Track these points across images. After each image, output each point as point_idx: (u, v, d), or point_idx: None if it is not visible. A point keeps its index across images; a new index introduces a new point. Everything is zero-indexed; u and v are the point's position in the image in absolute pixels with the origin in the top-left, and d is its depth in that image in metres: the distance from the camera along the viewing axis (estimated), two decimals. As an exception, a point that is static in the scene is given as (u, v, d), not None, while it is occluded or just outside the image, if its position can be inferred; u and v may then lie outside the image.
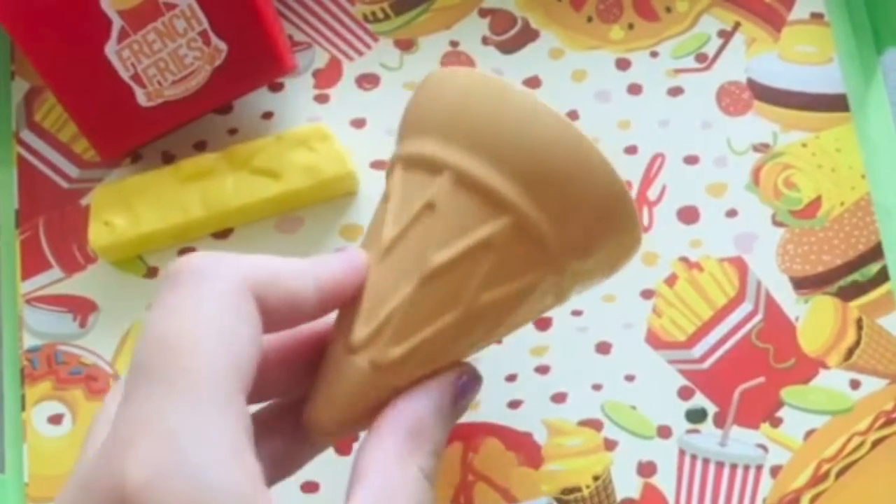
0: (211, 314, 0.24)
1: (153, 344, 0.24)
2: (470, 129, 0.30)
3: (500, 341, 0.43)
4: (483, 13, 0.47)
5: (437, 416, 0.29)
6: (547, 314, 0.43)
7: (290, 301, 0.27)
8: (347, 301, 0.30)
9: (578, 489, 0.41)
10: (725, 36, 0.46)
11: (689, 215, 0.44)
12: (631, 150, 0.45)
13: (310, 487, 0.42)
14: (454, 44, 0.47)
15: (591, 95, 0.46)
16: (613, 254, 0.32)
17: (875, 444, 0.41)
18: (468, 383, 0.30)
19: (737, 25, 0.46)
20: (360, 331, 0.30)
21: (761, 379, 0.42)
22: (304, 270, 0.28)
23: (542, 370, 0.42)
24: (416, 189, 0.31)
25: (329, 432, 0.30)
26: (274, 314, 0.26)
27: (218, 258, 0.25)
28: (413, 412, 0.28)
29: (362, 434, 0.30)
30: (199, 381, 0.23)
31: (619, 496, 0.41)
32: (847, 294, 0.43)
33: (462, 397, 0.30)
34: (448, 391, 0.29)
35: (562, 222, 0.30)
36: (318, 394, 0.30)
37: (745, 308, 0.43)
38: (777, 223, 0.44)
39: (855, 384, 0.42)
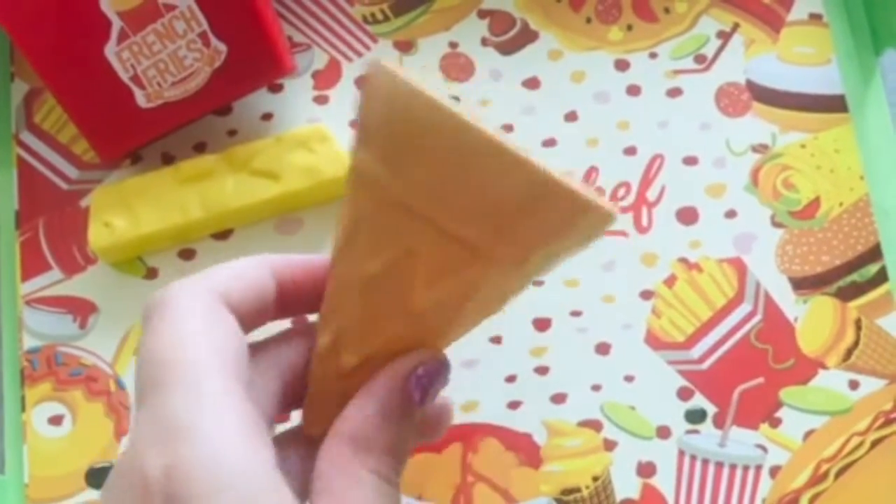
0: (189, 325, 0.26)
1: (147, 363, 0.26)
2: (410, 163, 0.28)
3: (497, 341, 0.43)
4: (482, 14, 0.47)
5: (382, 416, 0.28)
6: (546, 315, 0.43)
7: (252, 293, 0.29)
8: (308, 294, 0.30)
9: (578, 490, 0.41)
10: (724, 37, 0.46)
11: (688, 216, 0.44)
12: (630, 150, 0.45)
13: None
14: (453, 45, 0.47)
15: (590, 96, 0.46)
16: (571, 234, 0.29)
17: (874, 444, 0.42)
18: (427, 377, 0.29)
19: (735, 26, 0.46)
20: (322, 340, 0.30)
21: (760, 379, 0.42)
22: (260, 263, 0.30)
23: (542, 371, 0.43)
24: (347, 203, 0.30)
25: (313, 430, 0.31)
26: (242, 309, 0.28)
27: (180, 282, 0.28)
28: (354, 417, 0.28)
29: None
30: (195, 380, 0.25)
31: (619, 497, 0.41)
32: (846, 294, 0.43)
33: (421, 393, 0.29)
34: (395, 390, 0.29)
35: (474, 217, 0.28)
36: (306, 402, 0.31)
37: (745, 309, 0.43)
38: (776, 224, 0.44)
39: (854, 384, 0.42)
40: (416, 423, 0.29)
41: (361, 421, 0.28)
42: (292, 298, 0.30)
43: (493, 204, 0.27)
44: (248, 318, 0.29)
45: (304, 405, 0.31)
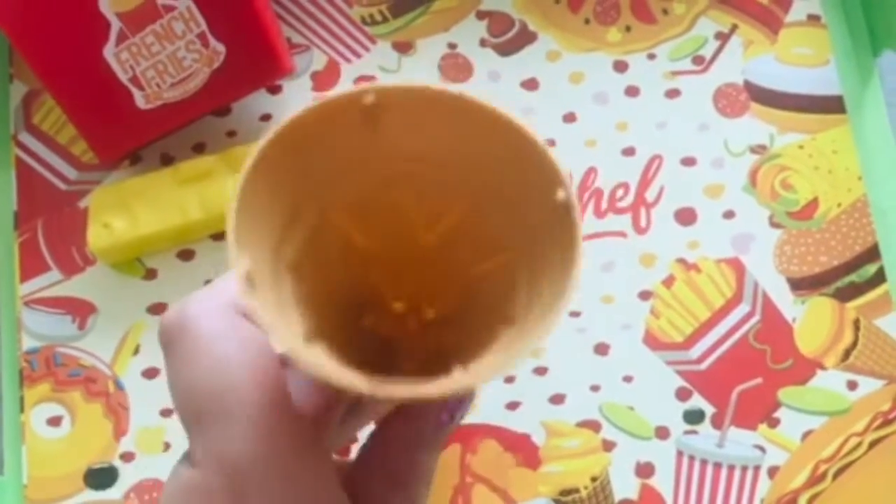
0: (220, 349, 0.25)
1: (188, 397, 0.25)
2: None
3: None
4: (481, 15, 0.47)
5: (418, 450, 0.28)
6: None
7: None
8: None
9: (576, 490, 0.41)
10: (722, 38, 0.46)
11: (686, 217, 0.44)
12: (629, 151, 0.45)
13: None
14: (452, 46, 0.47)
15: (588, 97, 0.46)
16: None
17: (872, 444, 0.42)
18: (453, 410, 0.29)
19: (734, 28, 0.46)
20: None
21: (759, 380, 0.42)
22: None
23: (541, 371, 0.43)
24: None
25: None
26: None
27: (195, 303, 0.26)
28: (392, 460, 0.28)
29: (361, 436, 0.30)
30: (242, 410, 0.24)
31: (618, 497, 0.41)
32: (844, 295, 0.43)
33: (450, 419, 0.29)
34: (430, 434, 0.29)
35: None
36: None
37: (743, 309, 0.43)
38: (774, 224, 0.44)
39: (852, 385, 0.42)
40: (442, 449, 0.30)
41: (398, 461, 0.28)
42: None
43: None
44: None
45: None
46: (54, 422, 0.43)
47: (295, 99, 0.46)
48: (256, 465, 0.24)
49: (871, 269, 0.43)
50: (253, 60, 0.42)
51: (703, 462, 0.42)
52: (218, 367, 0.25)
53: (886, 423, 0.42)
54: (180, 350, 0.26)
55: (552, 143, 0.45)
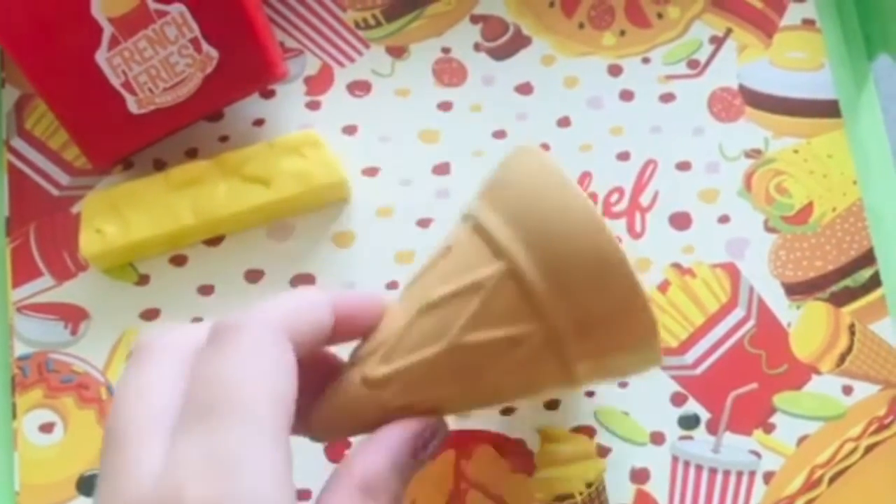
0: (256, 362, 0.27)
1: (205, 387, 0.27)
2: (516, 206, 0.31)
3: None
4: (475, 20, 0.47)
5: (392, 469, 0.30)
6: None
7: (314, 331, 0.30)
8: (363, 330, 0.33)
9: (571, 496, 0.41)
10: (717, 42, 0.46)
11: (681, 221, 0.44)
12: (623, 156, 0.45)
13: (304, 495, 0.41)
14: (446, 50, 0.47)
15: (583, 102, 0.46)
16: (623, 357, 0.32)
17: (868, 449, 0.41)
18: (430, 436, 0.32)
19: (728, 32, 0.46)
20: (362, 347, 0.33)
21: (754, 385, 0.42)
22: (323, 302, 0.31)
23: (535, 377, 0.42)
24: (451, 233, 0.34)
25: (319, 431, 0.33)
26: (302, 345, 0.30)
27: (255, 313, 0.29)
28: (367, 466, 0.30)
29: (354, 440, 0.30)
30: (255, 418, 0.26)
31: (613, 503, 0.41)
32: (839, 300, 0.43)
33: (423, 449, 0.31)
34: (407, 444, 0.31)
35: (558, 289, 0.30)
36: (321, 408, 0.33)
37: (738, 314, 0.43)
38: (769, 229, 0.44)
39: (847, 390, 0.42)
40: (415, 473, 0.31)
41: (374, 472, 0.29)
42: (342, 331, 0.32)
43: (588, 302, 0.30)
44: (304, 351, 0.30)
45: (318, 410, 0.33)
46: (47, 428, 0.43)
47: (288, 104, 0.46)
48: (240, 469, 0.25)
49: (866, 273, 0.43)
50: (246, 65, 0.42)
51: (699, 467, 0.42)
52: (247, 376, 0.27)
53: (882, 427, 0.42)
54: (223, 346, 0.28)
55: (546, 147, 0.45)
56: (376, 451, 0.30)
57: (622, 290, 0.30)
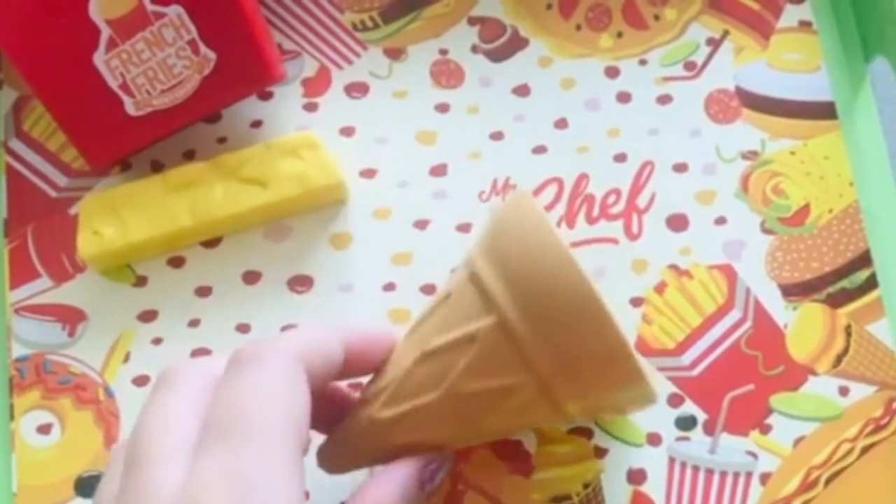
0: (274, 388, 0.29)
1: (225, 409, 0.29)
2: (507, 258, 0.33)
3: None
4: (472, 21, 0.47)
5: (403, 499, 0.33)
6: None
7: (327, 364, 0.32)
8: (373, 367, 0.35)
9: (569, 497, 0.41)
10: (714, 44, 0.46)
11: (678, 223, 0.44)
12: (620, 157, 0.45)
13: (299, 497, 0.41)
14: (443, 52, 0.47)
15: (580, 104, 0.46)
16: (615, 398, 0.35)
17: (864, 450, 0.41)
18: (436, 468, 0.35)
19: (725, 34, 0.46)
20: (368, 388, 0.36)
21: (751, 386, 0.42)
22: (335, 339, 0.33)
23: (532, 378, 0.42)
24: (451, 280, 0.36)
25: (331, 464, 0.37)
26: (316, 376, 0.32)
27: (273, 343, 0.30)
28: (379, 498, 0.33)
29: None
30: (271, 440, 0.28)
31: (610, 504, 0.41)
32: (836, 301, 0.43)
33: (430, 481, 0.34)
34: (415, 476, 0.34)
35: (544, 340, 0.33)
36: (332, 442, 0.37)
37: (735, 315, 0.43)
38: (766, 230, 0.44)
39: (844, 391, 0.42)
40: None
41: (385, 503, 0.32)
42: (352, 367, 0.34)
43: (576, 350, 0.33)
44: (316, 383, 0.32)
45: (330, 444, 0.37)
46: (44, 429, 0.43)
47: (285, 105, 0.46)
48: (260, 491, 0.27)
49: (862, 275, 0.43)
50: (244, 67, 0.42)
51: (695, 468, 0.42)
52: (269, 400, 0.29)
53: (878, 429, 0.42)
54: (245, 373, 0.29)
55: (543, 149, 0.45)
56: (387, 483, 0.33)
57: (607, 341, 0.32)
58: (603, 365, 0.33)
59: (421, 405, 0.34)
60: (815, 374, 0.42)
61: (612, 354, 0.33)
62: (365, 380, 0.37)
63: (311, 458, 0.41)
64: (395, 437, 0.35)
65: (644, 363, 0.39)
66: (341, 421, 0.36)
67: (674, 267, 0.44)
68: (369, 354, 0.35)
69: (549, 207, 0.44)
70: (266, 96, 0.46)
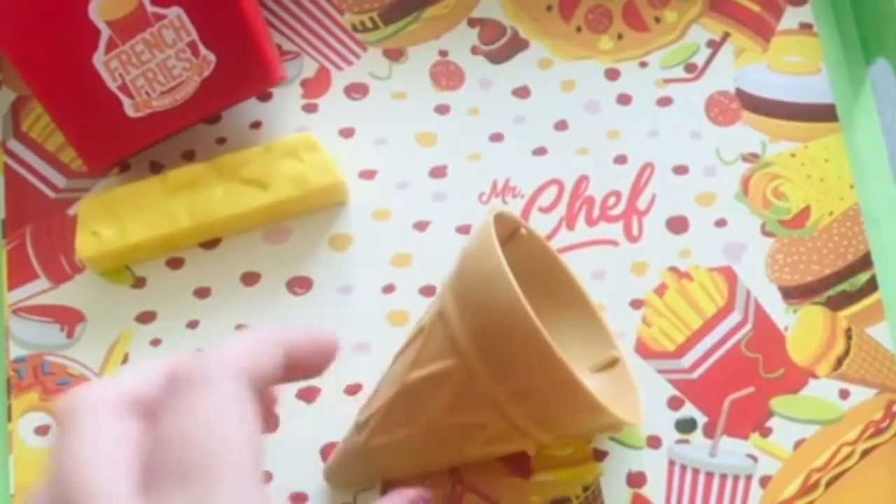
0: (229, 415, 0.26)
1: (179, 445, 0.25)
2: (473, 303, 0.35)
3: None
4: (472, 23, 0.47)
5: None
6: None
7: (267, 376, 0.30)
8: (314, 373, 0.32)
9: (568, 500, 0.41)
10: (714, 46, 0.46)
11: (678, 225, 0.44)
12: (620, 159, 0.45)
13: (299, 498, 0.41)
14: (443, 53, 0.47)
15: (580, 105, 0.46)
16: (583, 426, 0.37)
17: (864, 453, 0.41)
18: (424, 500, 0.35)
19: (726, 36, 0.46)
20: (360, 415, 0.39)
21: (751, 389, 0.42)
22: (276, 342, 0.30)
23: (532, 380, 0.42)
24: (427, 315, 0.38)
25: (332, 480, 0.41)
26: (259, 385, 0.29)
27: (215, 359, 0.27)
28: None
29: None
30: (239, 476, 0.25)
31: (609, 507, 0.41)
32: (836, 304, 0.43)
33: None
34: None
35: (504, 382, 0.34)
36: (335, 458, 0.40)
37: (735, 318, 0.43)
38: (766, 233, 0.44)
39: (844, 394, 0.42)
40: None
41: None
42: (293, 371, 0.31)
43: (533, 386, 0.34)
44: (257, 392, 0.29)
45: (332, 464, 0.40)
46: (42, 431, 0.42)
47: (285, 106, 0.46)
48: None
49: (863, 277, 0.43)
50: (244, 69, 0.42)
51: (695, 471, 0.41)
52: (224, 431, 0.26)
53: (878, 432, 0.42)
54: (193, 400, 0.26)
55: (543, 151, 0.45)
56: None
57: (561, 376, 0.34)
58: (561, 401, 0.34)
59: (403, 437, 0.37)
60: (815, 376, 0.42)
61: (567, 388, 0.34)
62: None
63: (318, 469, 0.41)
64: (385, 462, 0.39)
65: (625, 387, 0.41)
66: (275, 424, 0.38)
67: (674, 269, 0.44)
68: (311, 360, 0.32)
69: (549, 209, 0.44)
70: (265, 97, 0.46)
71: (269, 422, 0.37)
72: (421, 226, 0.44)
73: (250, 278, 0.44)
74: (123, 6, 0.41)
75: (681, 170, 0.45)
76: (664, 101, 0.46)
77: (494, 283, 0.34)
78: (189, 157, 0.45)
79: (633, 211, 0.44)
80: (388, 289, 0.44)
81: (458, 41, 0.47)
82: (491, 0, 0.47)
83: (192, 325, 0.43)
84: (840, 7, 0.47)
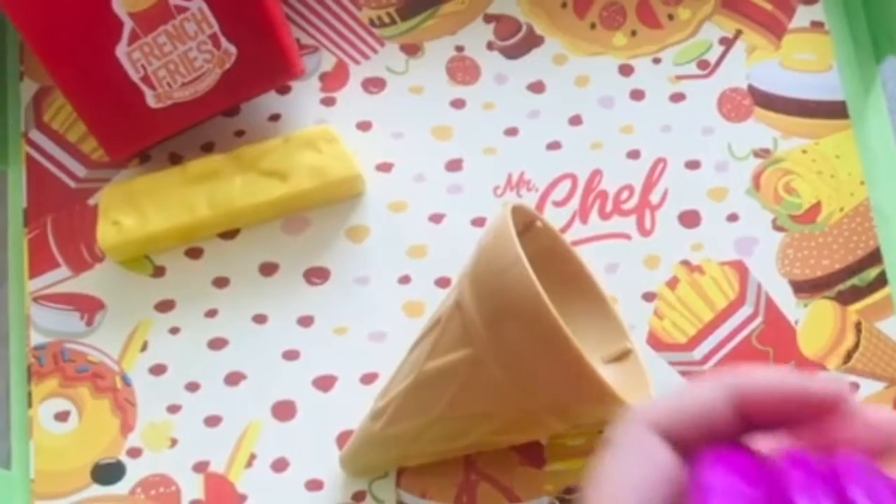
0: (623, 460, 0.28)
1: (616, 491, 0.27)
2: (493, 298, 0.35)
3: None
4: (488, 19, 0.47)
5: None
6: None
7: (698, 426, 0.28)
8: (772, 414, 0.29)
9: (580, 489, 0.42)
10: (727, 43, 0.47)
11: (690, 219, 0.45)
12: (633, 154, 0.45)
13: (314, 485, 0.42)
14: (459, 48, 0.47)
15: (594, 101, 0.46)
16: (595, 414, 0.37)
17: (873, 446, 0.42)
18: None
19: (738, 33, 0.47)
20: (376, 404, 0.40)
21: (761, 381, 0.43)
22: (716, 396, 0.28)
23: (545, 371, 0.43)
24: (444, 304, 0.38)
25: (347, 467, 0.41)
26: (685, 438, 0.28)
27: (630, 419, 0.28)
28: None
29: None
30: None
31: (621, 496, 0.42)
32: (846, 298, 0.44)
33: None
34: None
35: (517, 379, 0.35)
36: (351, 446, 0.41)
37: (746, 311, 0.43)
38: (777, 228, 0.45)
39: (854, 387, 0.42)
40: None
41: None
42: (757, 420, 0.28)
43: (546, 377, 0.35)
44: (692, 445, 0.28)
45: (347, 451, 0.41)
46: (62, 417, 0.43)
47: (303, 99, 0.47)
48: None
49: (872, 272, 0.44)
50: (264, 62, 0.43)
51: (706, 462, 0.42)
52: (633, 489, 0.27)
53: (887, 425, 0.42)
54: (613, 460, 0.27)
55: (558, 145, 0.46)
56: None
57: (574, 366, 0.34)
58: (576, 390, 0.35)
59: (419, 425, 0.38)
60: (825, 370, 0.43)
61: (582, 377, 0.34)
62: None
63: (334, 457, 0.42)
64: (401, 450, 0.39)
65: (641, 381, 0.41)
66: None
67: (686, 263, 0.44)
68: (774, 408, 0.28)
69: (563, 203, 0.45)
70: (284, 90, 0.47)
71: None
72: (436, 218, 0.45)
73: (268, 268, 0.44)
74: (146, -1, 0.41)
75: (693, 165, 0.45)
76: (677, 97, 0.46)
77: (512, 275, 0.34)
78: (208, 148, 0.46)
79: (646, 205, 0.45)
80: (404, 280, 0.44)
81: (473, 37, 0.47)
82: (506, -4, 0.48)
83: (211, 314, 0.44)
84: (851, 5, 0.48)
